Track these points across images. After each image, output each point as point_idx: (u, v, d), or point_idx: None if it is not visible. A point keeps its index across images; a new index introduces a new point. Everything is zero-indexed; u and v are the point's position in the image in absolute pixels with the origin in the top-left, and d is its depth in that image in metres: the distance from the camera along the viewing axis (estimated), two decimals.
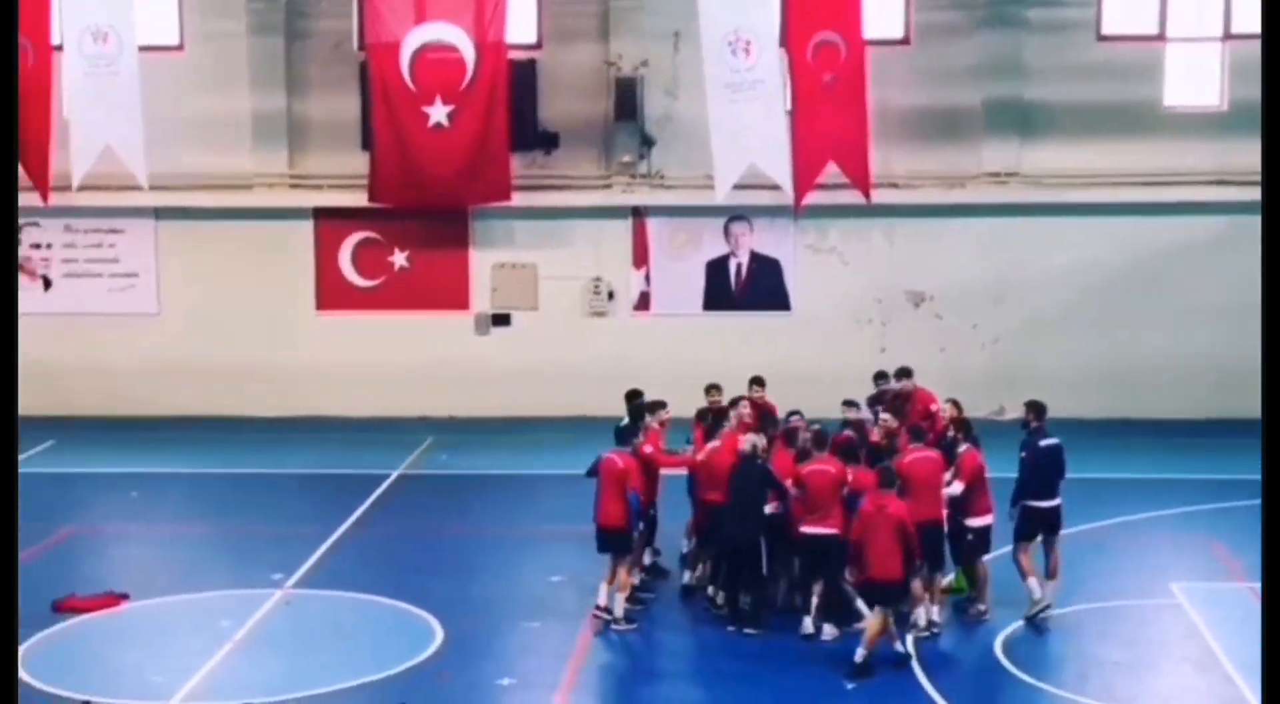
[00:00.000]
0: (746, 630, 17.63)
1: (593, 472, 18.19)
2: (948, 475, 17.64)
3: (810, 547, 17.41)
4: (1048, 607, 18.00)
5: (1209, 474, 24.55)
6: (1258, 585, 12.97)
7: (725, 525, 17.70)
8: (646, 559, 19.53)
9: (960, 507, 17.68)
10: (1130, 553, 20.79)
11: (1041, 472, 18.12)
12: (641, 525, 18.33)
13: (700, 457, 18.39)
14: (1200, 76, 28.41)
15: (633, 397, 19.56)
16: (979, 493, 17.79)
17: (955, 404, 18.68)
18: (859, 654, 16.38)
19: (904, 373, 20.71)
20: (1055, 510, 18.20)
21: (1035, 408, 18.49)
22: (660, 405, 19.15)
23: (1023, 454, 18.22)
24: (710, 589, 18.55)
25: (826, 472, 17.36)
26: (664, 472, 18.88)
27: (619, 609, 17.94)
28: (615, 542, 17.97)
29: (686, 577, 19.11)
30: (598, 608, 17.97)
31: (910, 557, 16.57)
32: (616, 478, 17.80)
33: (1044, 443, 18.22)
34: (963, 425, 18.15)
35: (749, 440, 17.78)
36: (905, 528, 16.44)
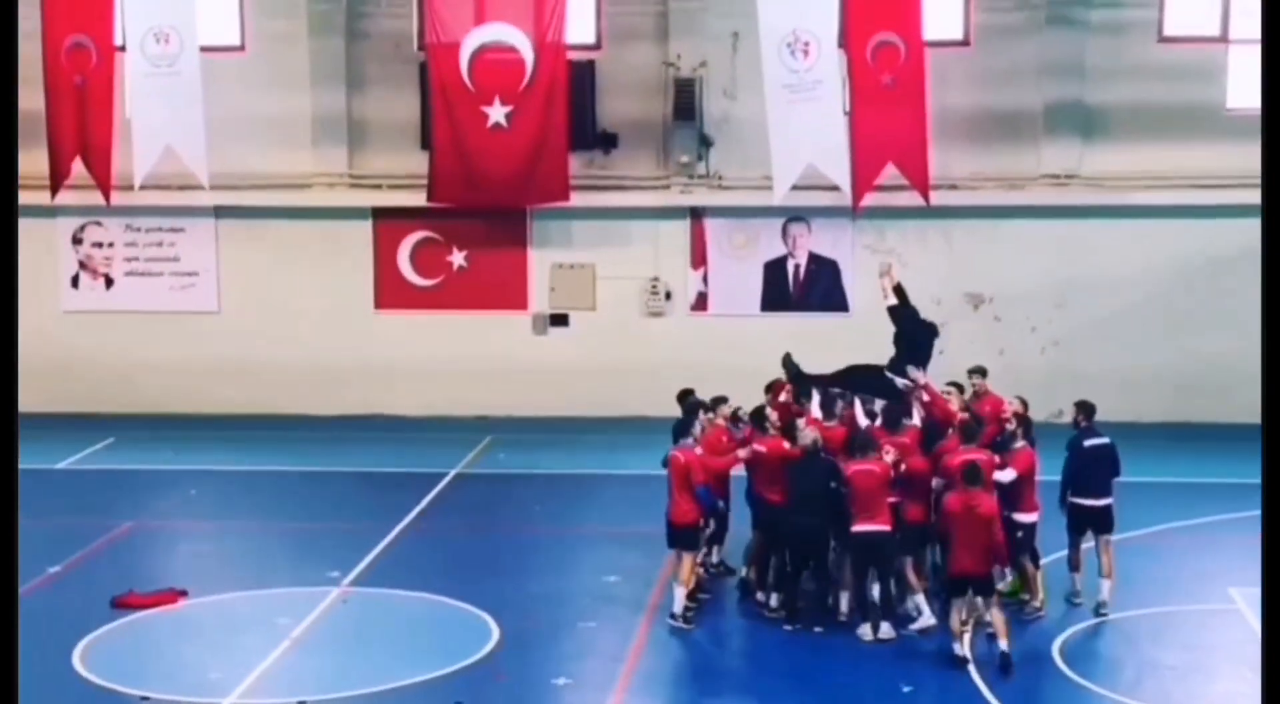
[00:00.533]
0: (813, 629, 17.67)
1: (666, 464, 18.28)
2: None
3: (861, 544, 17.47)
4: (1103, 605, 18.21)
5: None
6: None
7: (790, 521, 17.74)
8: (714, 558, 19.59)
9: (1010, 502, 17.65)
10: (1189, 557, 20.66)
11: (1087, 470, 18.36)
12: (706, 522, 18.43)
13: (743, 454, 18.40)
14: None
15: (684, 396, 19.51)
16: (1028, 489, 17.84)
17: (1023, 402, 18.73)
18: (1003, 645, 16.48)
19: (977, 371, 20.47)
20: (1103, 509, 18.39)
21: (1084, 408, 18.75)
22: (721, 400, 19.25)
23: (1068, 452, 18.48)
24: (760, 595, 18.51)
25: (872, 472, 17.40)
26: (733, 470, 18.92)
27: (678, 606, 17.98)
28: (681, 538, 18.05)
29: (744, 571, 19.07)
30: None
31: (997, 551, 16.77)
32: (680, 474, 17.85)
33: (1089, 442, 18.46)
34: (1024, 423, 18.25)
35: (809, 436, 17.83)
36: (994, 525, 16.59)
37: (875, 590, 17.47)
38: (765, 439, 18.34)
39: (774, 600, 18.29)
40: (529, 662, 16.98)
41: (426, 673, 16.50)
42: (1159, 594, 18.93)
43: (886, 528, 17.38)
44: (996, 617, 16.73)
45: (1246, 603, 18.37)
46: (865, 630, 17.47)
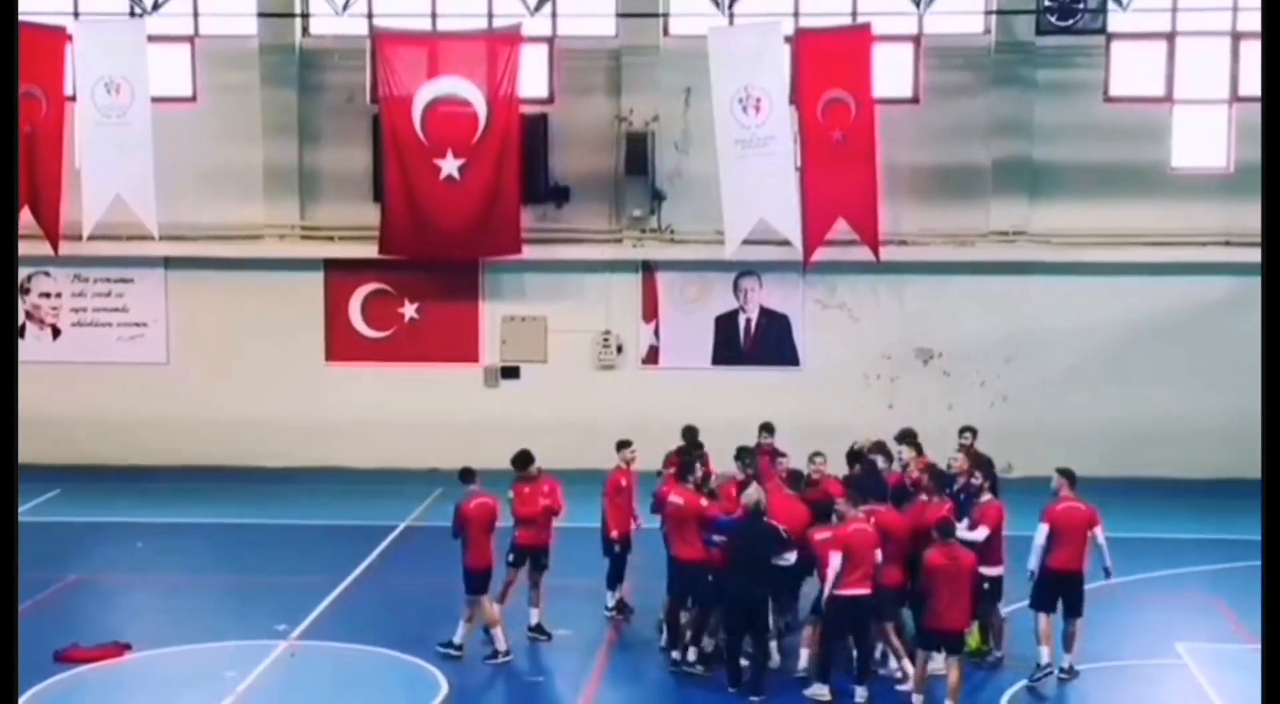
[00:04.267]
0: (751, 699, 17.19)
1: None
2: (964, 524, 17.59)
3: (843, 607, 16.84)
4: None
5: (1216, 534, 24.48)
6: None
7: (731, 585, 17.26)
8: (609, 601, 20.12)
9: (980, 556, 17.57)
10: (1136, 612, 20.70)
11: None
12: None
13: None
14: (1207, 139, 28.49)
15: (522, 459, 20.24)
16: (995, 543, 17.86)
17: (968, 456, 19.16)
18: None
19: (907, 437, 20.48)
20: None
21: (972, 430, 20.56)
22: (626, 444, 19.99)
23: None
24: (676, 653, 18.20)
25: (867, 531, 16.92)
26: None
27: (501, 643, 18.60)
28: (483, 583, 18.74)
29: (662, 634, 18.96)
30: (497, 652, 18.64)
31: (975, 604, 16.89)
32: (488, 520, 19.03)
33: None
34: (989, 475, 18.64)
35: (754, 495, 17.44)
36: (975, 579, 16.66)
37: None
38: (682, 491, 18.16)
39: (691, 654, 17.96)
40: None
41: None
42: (1107, 649, 18.94)
43: (868, 592, 16.86)
44: (955, 676, 16.50)
45: (1193, 658, 18.46)
46: (823, 691, 17.07)
